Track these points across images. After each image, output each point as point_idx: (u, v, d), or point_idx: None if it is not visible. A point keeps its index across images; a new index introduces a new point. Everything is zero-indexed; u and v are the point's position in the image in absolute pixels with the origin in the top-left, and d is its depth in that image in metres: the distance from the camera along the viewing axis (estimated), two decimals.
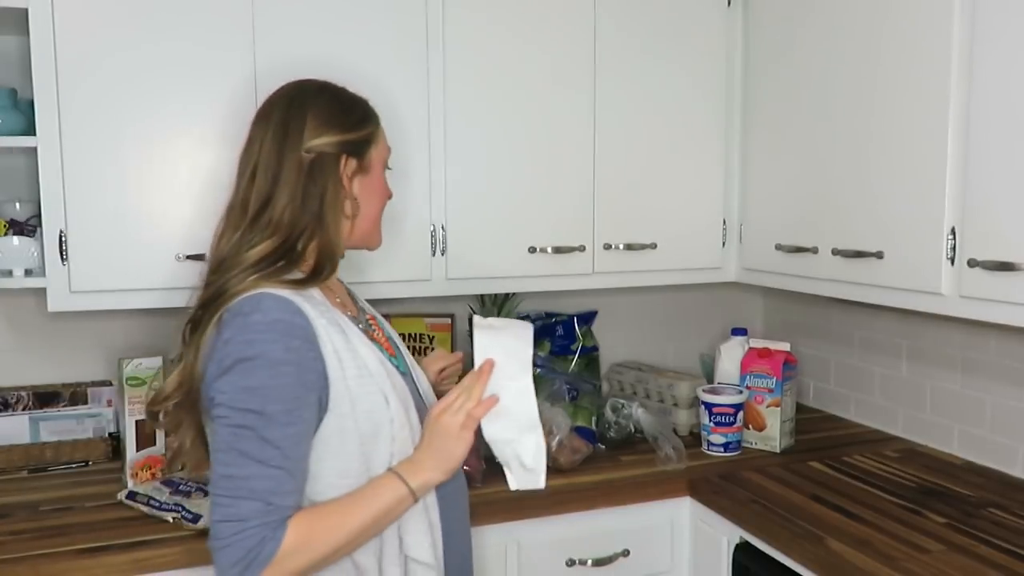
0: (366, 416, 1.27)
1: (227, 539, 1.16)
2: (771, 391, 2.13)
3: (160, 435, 1.92)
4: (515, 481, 1.36)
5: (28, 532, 1.63)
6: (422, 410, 1.37)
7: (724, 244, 2.28)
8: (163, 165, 1.79)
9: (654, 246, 2.18)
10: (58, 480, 1.93)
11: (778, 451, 2.12)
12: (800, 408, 2.34)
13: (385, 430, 1.28)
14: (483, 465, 1.91)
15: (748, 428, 2.15)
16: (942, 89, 1.62)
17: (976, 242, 1.57)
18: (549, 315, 2.43)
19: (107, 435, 2.08)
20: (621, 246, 2.15)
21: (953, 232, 1.62)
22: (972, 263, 1.56)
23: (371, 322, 1.45)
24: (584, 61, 2.08)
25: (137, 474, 1.88)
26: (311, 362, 1.23)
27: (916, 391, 2.21)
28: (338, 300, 1.39)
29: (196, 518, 1.64)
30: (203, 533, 1.60)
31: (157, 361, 1.93)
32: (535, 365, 2.32)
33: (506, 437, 1.33)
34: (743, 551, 1.80)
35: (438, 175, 1.99)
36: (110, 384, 2.13)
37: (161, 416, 1.35)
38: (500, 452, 1.35)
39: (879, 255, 1.78)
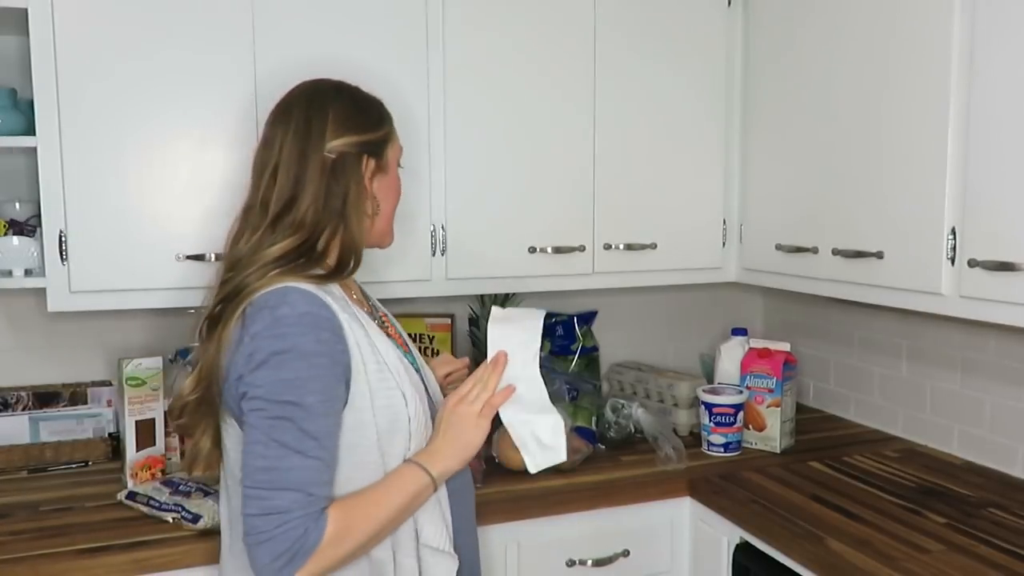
0: (384, 411, 1.29)
1: (270, 532, 1.16)
2: (771, 391, 2.13)
3: (160, 435, 1.92)
4: (533, 462, 1.39)
5: (28, 532, 1.63)
6: (432, 408, 1.39)
7: (724, 244, 2.28)
8: (163, 165, 1.79)
9: (654, 246, 2.18)
10: (58, 480, 1.93)
11: (778, 451, 2.12)
12: (800, 408, 2.34)
13: (402, 425, 1.30)
14: (483, 465, 1.91)
15: (748, 428, 2.15)
16: (942, 89, 1.62)
17: (976, 242, 1.57)
18: (549, 315, 2.42)
19: (107, 435, 2.08)
20: (621, 246, 2.15)
21: (953, 232, 1.62)
22: (972, 263, 1.56)
23: (384, 319, 1.47)
24: (584, 61, 2.08)
25: (137, 474, 1.88)
26: (340, 354, 1.25)
27: (916, 391, 2.21)
28: (355, 296, 1.41)
29: (196, 518, 1.64)
30: (203, 533, 1.60)
31: (157, 361, 1.93)
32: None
33: (523, 418, 1.38)
34: (743, 551, 1.80)
35: (438, 175, 1.99)
36: (110, 384, 2.13)
37: (183, 416, 1.35)
38: (518, 433, 1.39)
39: (879, 255, 1.78)
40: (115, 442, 2.06)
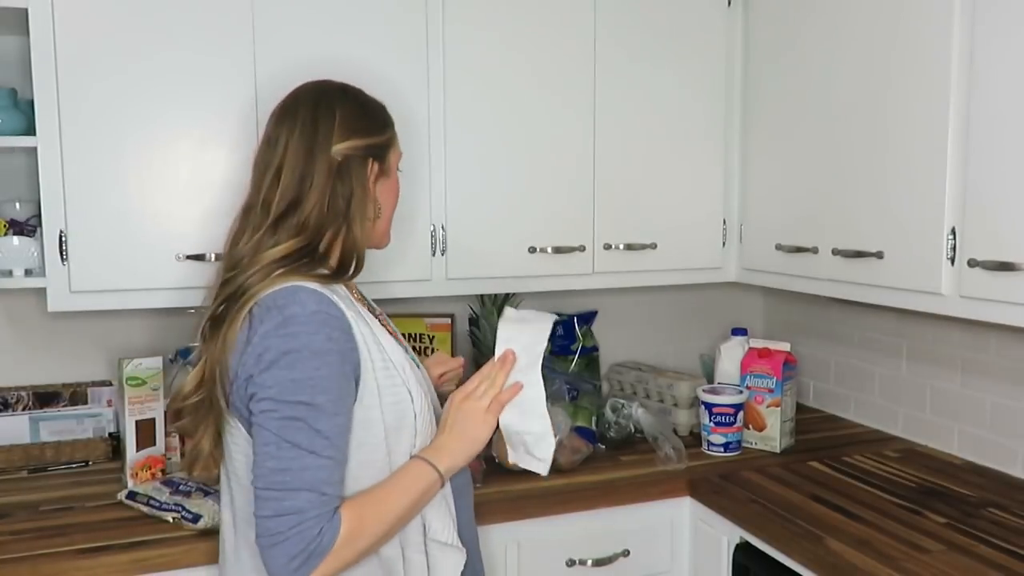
0: (391, 408, 1.29)
1: (285, 533, 1.16)
2: (771, 391, 2.13)
3: (160, 435, 1.92)
4: (518, 459, 1.41)
5: (28, 532, 1.63)
6: (434, 405, 1.40)
7: (724, 244, 2.28)
8: (163, 165, 1.79)
9: (654, 246, 2.18)
10: (58, 480, 1.93)
11: (778, 451, 2.12)
12: (800, 408, 2.34)
13: (408, 422, 1.31)
14: (483, 465, 1.91)
15: (748, 428, 2.15)
16: (942, 89, 1.62)
17: (976, 242, 1.57)
18: None
19: (107, 435, 2.08)
20: (621, 246, 2.15)
21: (953, 232, 1.62)
22: (972, 263, 1.56)
23: (381, 319, 1.47)
24: (584, 61, 2.08)
25: (137, 474, 1.88)
26: (350, 352, 1.25)
27: (916, 391, 2.21)
28: (356, 295, 1.42)
29: (196, 518, 1.64)
30: (204, 533, 1.61)
31: (157, 361, 1.93)
32: None
33: (519, 428, 1.38)
34: (743, 551, 1.80)
35: (438, 175, 1.99)
36: (110, 384, 2.13)
37: (184, 417, 1.34)
38: (510, 437, 1.40)
39: (879, 255, 1.78)
40: (115, 442, 2.06)
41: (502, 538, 1.81)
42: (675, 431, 2.20)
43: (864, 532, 1.63)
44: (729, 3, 2.21)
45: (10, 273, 1.81)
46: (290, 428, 1.19)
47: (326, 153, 1.32)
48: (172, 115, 1.79)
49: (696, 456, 2.09)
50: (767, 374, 2.13)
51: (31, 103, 1.73)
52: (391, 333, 1.42)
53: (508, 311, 1.43)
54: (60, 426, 2.06)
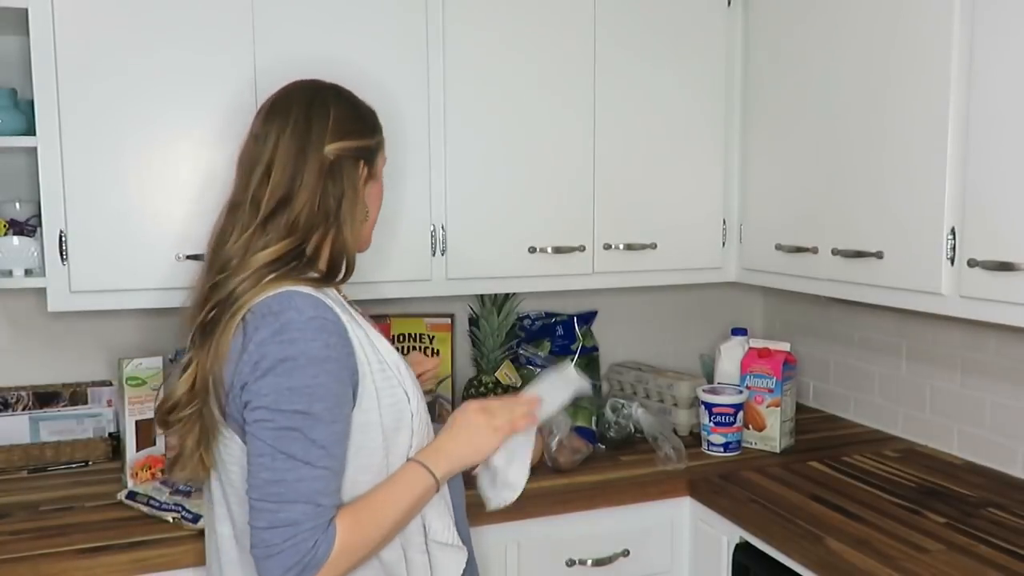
0: (389, 410, 1.28)
1: (279, 545, 1.14)
2: (771, 391, 2.13)
3: (161, 436, 1.92)
4: (480, 486, 1.41)
5: (28, 532, 1.63)
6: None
7: (724, 244, 2.28)
8: (163, 165, 1.79)
9: (654, 246, 2.18)
10: (58, 480, 1.93)
11: (778, 451, 2.12)
12: (800, 408, 2.34)
13: (406, 423, 1.30)
14: None
15: (748, 428, 2.15)
16: (942, 89, 1.62)
17: (976, 242, 1.57)
18: (549, 315, 2.44)
19: (107, 435, 2.08)
20: (621, 246, 2.15)
21: (953, 232, 1.62)
22: (972, 263, 1.56)
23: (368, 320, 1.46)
24: (584, 61, 2.08)
25: (137, 474, 1.88)
26: (347, 358, 1.23)
27: (916, 391, 2.21)
28: (344, 297, 1.40)
29: (196, 518, 1.64)
30: (204, 533, 1.60)
31: (157, 361, 1.93)
32: (535, 365, 2.33)
33: (499, 466, 1.40)
34: (743, 551, 1.80)
35: (438, 175, 1.99)
36: (110, 384, 2.13)
37: (172, 426, 1.31)
38: (486, 468, 1.40)
39: (879, 255, 1.78)
40: (115, 442, 2.07)
41: (502, 538, 1.81)
42: (675, 431, 2.20)
43: (864, 532, 1.63)
44: (729, 3, 2.21)
45: (10, 273, 1.81)
46: (285, 438, 1.17)
47: (319, 152, 1.30)
48: (172, 115, 1.79)
49: (696, 456, 2.09)
50: (767, 374, 2.13)
51: (31, 103, 1.73)
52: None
53: (569, 369, 1.47)
54: (60, 426, 2.06)
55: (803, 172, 2.01)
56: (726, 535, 1.84)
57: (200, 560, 1.56)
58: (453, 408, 2.30)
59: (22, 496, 1.83)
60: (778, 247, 2.08)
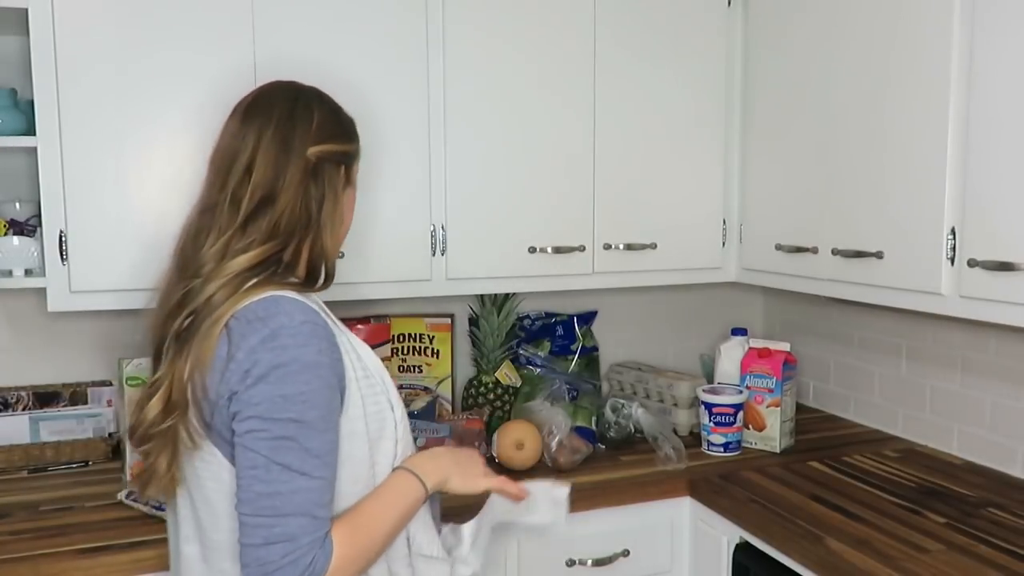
0: (374, 417, 1.26)
1: (277, 562, 1.09)
2: (771, 391, 2.13)
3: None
4: (447, 544, 1.42)
5: (28, 532, 1.63)
6: None
7: (724, 244, 2.28)
8: (163, 165, 1.79)
9: (654, 246, 2.18)
10: (58, 480, 1.93)
11: (778, 451, 2.12)
12: (800, 408, 2.34)
13: (389, 431, 1.28)
14: None
15: (748, 428, 2.15)
16: (942, 89, 1.62)
17: (976, 242, 1.57)
18: (549, 315, 2.43)
19: (107, 435, 2.08)
20: (621, 246, 2.15)
21: (953, 232, 1.62)
22: (972, 263, 1.56)
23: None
24: (584, 61, 2.08)
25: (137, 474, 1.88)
26: (336, 364, 1.20)
27: (916, 391, 2.21)
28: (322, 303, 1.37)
29: None
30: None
31: None
32: (535, 365, 2.33)
33: (467, 532, 1.41)
34: (743, 551, 1.80)
35: (438, 175, 1.99)
36: (110, 384, 2.13)
37: (149, 442, 1.23)
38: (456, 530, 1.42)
39: (879, 255, 1.78)
40: (115, 442, 2.07)
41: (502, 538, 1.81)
42: (675, 431, 2.20)
43: (864, 532, 1.63)
44: (729, 3, 2.21)
45: (10, 273, 1.81)
46: (280, 448, 1.12)
47: (302, 153, 1.26)
48: (172, 115, 1.79)
49: (696, 456, 2.09)
50: (767, 374, 2.13)
51: (31, 103, 1.73)
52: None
53: (566, 497, 1.45)
54: (60, 426, 2.06)
55: (803, 172, 2.01)
56: (726, 535, 1.84)
57: None
58: (453, 408, 2.31)
59: (22, 496, 1.83)
60: (778, 247, 2.08)
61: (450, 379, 2.31)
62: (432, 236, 1.99)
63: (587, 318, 2.47)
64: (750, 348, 2.20)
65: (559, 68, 2.07)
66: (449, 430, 1.96)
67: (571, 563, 1.88)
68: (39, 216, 1.77)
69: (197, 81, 1.80)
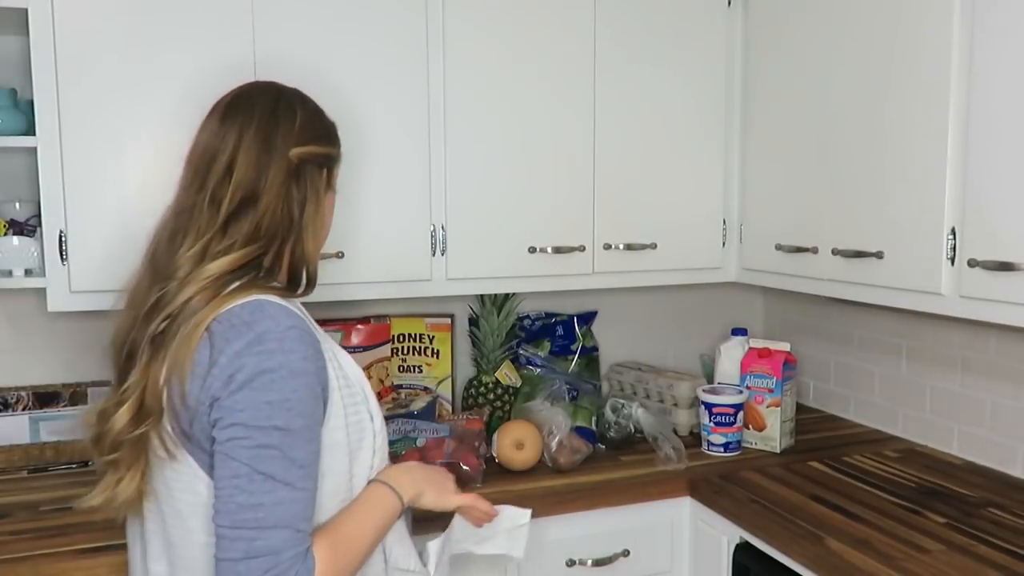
0: (354, 427, 1.23)
1: None
2: (771, 391, 2.13)
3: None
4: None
5: (28, 532, 1.63)
6: None
7: (724, 244, 2.28)
8: (163, 164, 1.78)
9: (654, 246, 2.18)
10: (58, 480, 1.93)
11: (778, 451, 2.12)
12: (800, 408, 2.34)
13: (368, 443, 1.25)
14: (483, 465, 1.91)
15: (748, 428, 2.15)
16: (942, 89, 1.62)
17: (976, 242, 1.57)
18: (549, 315, 2.44)
19: None
20: (621, 246, 2.15)
21: (953, 232, 1.62)
22: (972, 263, 1.56)
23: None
24: (584, 61, 2.08)
25: None
26: (321, 372, 1.17)
27: (916, 391, 2.21)
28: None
29: None
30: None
31: None
32: (535, 365, 2.33)
33: (434, 546, 1.42)
34: (743, 551, 1.80)
35: (438, 175, 1.99)
36: (110, 384, 2.13)
37: (116, 452, 1.17)
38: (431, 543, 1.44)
39: (879, 255, 1.78)
40: None
41: None
42: (675, 431, 2.20)
43: (864, 532, 1.63)
44: (729, 3, 2.21)
45: (10, 273, 1.81)
46: (264, 457, 1.08)
47: (284, 153, 1.23)
48: (172, 114, 1.79)
49: (696, 456, 2.09)
50: (767, 374, 2.13)
51: (31, 103, 1.73)
52: None
53: (527, 523, 1.49)
54: (60, 426, 2.06)
55: (803, 172, 2.01)
56: (726, 535, 1.84)
57: None
58: (453, 408, 2.31)
59: (22, 496, 1.83)
60: (778, 247, 2.08)
61: (450, 379, 2.31)
62: (432, 236, 1.99)
63: (587, 318, 2.47)
64: (750, 348, 2.20)
65: (559, 68, 2.07)
66: (449, 430, 1.96)
67: (571, 563, 1.88)
68: (39, 216, 1.77)
69: (197, 80, 1.79)
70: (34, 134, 1.72)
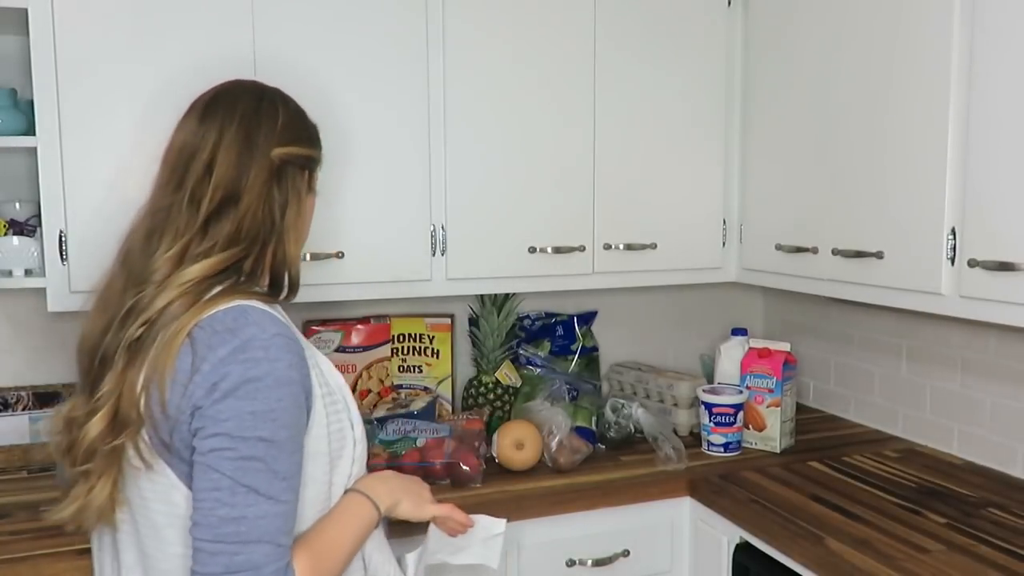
0: (336, 435, 1.20)
1: None
2: (771, 391, 2.13)
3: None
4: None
5: (28, 532, 1.63)
6: None
7: (724, 244, 2.28)
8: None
9: (654, 246, 2.18)
10: None
11: (778, 451, 2.12)
12: (800, 408, 2.34)
13: (348, 451, 1.23)
14: (483, 465, 1.91)
15: (748, 428, 2.15)
16: (942, 89, 1.62)
17: (976, 242, 1.57)
18: (549, 315, 2.43)
19: None
20: (621, 246, 2.15)
21: (953, 232, 1.62)
22: (972, 263, 1.56)
23: None
24: (584, 61, 2.08)
25: None
26: (306, 380, 1.14)
27: (916, 391, 2.21)
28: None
29: None
30: None
31: None
32: (535, 365, 2.33)
33: (411, 557, 1.42)
34: (743, 551, 1.80)
35: (438, 175, 1.99)
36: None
37: (88, 462, 1.12)
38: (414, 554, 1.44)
39: (879, 255, 1.78)
40: None
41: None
42: (675, 431, 2.20)
43: (864, 532, 1.63)
44: (729, 3, 2.21)
45: (10, 273, 1.81)
46: (247, 469, 1.04)
47: (266, 152, 1.20)
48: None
49: (696, 456, 2.09)
50: (767, 374, 2.13)
51: (31, 103, 1.73)
52: None
53: (503, 531, 1.48)
54: None
55: (803, 172, 2.01)
56: (726, 535, 1.84)
57: None
58: (453, 408, 2.31)
59: (22, 496, 1.83)
60: (778, 247, 2.08)
61: (450, 379, 2.31)
62: (432, 236, 1.99)
63: (587, 318, 2.47)
64: (750, 348, 2.20)
65: (559, 68, 2.07)
66: (449, 430, 1.96)
67: (571, 563, 1.88)
68: (39, 216, 1.77)
69: (197, 81, 1.78)
70: (34, 134, 1.72)
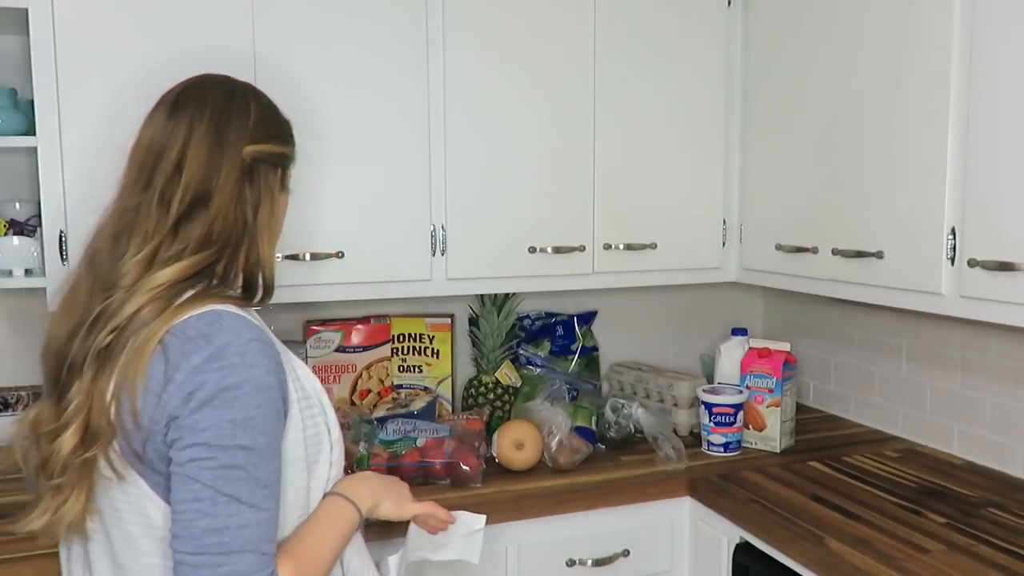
0: (312, 440, 1.18)
1: None
2: (771, 391, 2.13)
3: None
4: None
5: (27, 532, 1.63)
6: None
7: (724, 244, 2.28)
8: None
9: (654, 246, 2.18)
10: None
11: (778, 451, 2.12)
12: (800, 408, 2.34)
13: (324, 456, 1.22)
14: (483, 465, 1.91)
15: (748, 428, 2.15)
16: (942, 89, 1.62)
17: (976, 242, 1.57)
18: (549, 315, 2.43)
19: None
20: (621, 246, 2.15)
21: (953, 232, 1.62)
22: (972, 263, 1.56)
23: None
24: (584, 60, 2.08)
25: None
26: (283, 385, 1.11)
27: (916, 391, 2.21)
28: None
29: None
30: None
31: None
32: (535, 365, 2.33)
33: (392, 559, 1.42)
34: (743, 551, 1.80)
35: (438, 175, 1.99)
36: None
37: (62, 475, 1.10)
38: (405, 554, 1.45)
39: (879, 255, 1.78)
40: None
41: (502, 538, 1.80)
42: (675, 431, 2.20)
43: (864, 532, 1.63)
44: (729, 3, 2.21)
45: (10, 273, 1.81)
46: (229, 479, 1.02)
47: (238, 150, 1.16)
48: None
49: (696, 456, 2.09)
50: (767, 374, 2.13)
51: (31, 103, 1.73)
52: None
53: (480, 533, 1.48)
54: None
55: (803, 172, 2.01)
56: (726, 535, 1.84)
57: None
58: (453, 408, 2.31)
59: (22, 496, 1.82)
60: (778, 247, 2.08)
61: (450, 379, 2.31)
62: (432, 236, 1.99)
63: (587, 318, 2.47)
64: (750, 348, 2.20)
65: (559, 67, 2.07)
66: (449, 430, 1.96)
67: (571, 563, 1.88)
68: (39, 216, 1.77)
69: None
70: (34, 134, 1.72)
